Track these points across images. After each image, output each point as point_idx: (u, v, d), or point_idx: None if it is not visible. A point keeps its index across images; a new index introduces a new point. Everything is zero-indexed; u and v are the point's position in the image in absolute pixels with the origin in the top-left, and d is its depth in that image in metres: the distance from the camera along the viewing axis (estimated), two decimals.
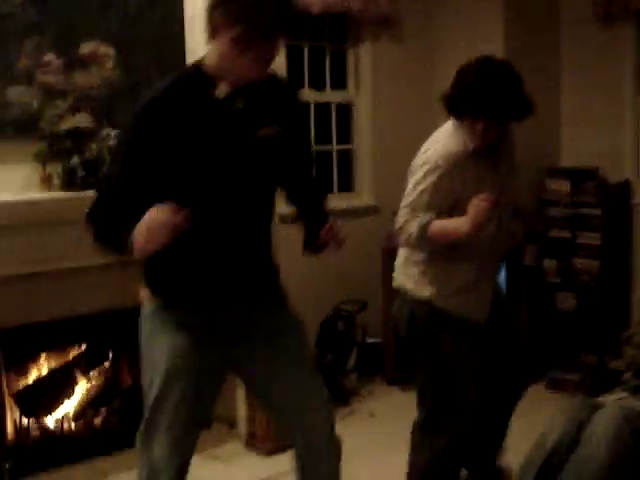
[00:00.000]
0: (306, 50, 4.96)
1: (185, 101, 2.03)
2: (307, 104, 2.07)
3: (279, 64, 4.56)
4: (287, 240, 4.54)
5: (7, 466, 3.30)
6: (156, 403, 2.23)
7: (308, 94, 4.96)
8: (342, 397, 4.43)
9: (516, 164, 2.93)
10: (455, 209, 2.65)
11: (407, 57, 5.20)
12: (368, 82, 5.11)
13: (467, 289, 2.73)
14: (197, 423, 2.35)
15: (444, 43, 5.25)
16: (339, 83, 5.12)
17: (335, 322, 4.69)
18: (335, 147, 5.15)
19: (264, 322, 2.30)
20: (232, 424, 3.88)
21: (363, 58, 5.12)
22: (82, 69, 3.30)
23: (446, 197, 2.66)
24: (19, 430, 3.56)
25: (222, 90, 2.04)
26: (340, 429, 3.74)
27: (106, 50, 3.35)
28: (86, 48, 3.31)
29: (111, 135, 3.29)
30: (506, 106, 2.55)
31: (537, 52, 5.04)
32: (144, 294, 2.28)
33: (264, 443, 3.75)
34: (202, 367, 2.24)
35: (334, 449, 2.40)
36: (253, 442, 3.81)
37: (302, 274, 4.71)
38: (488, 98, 2.53)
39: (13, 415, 3.54)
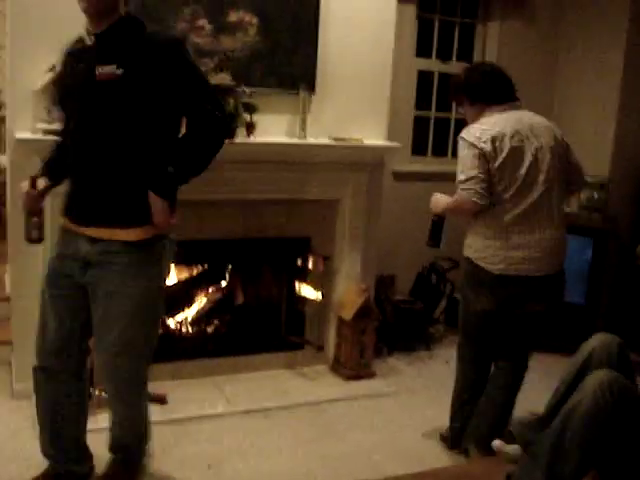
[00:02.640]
0: (437, 22, 5.35)
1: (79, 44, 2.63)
2: (187, 63, 2.32)
3: (409, 33, 5.04)
4: (398, 196, 5.07)
5: None
6: None
7: (434, 64, 5.38)
8: (425, 341, 4.95)
9: None
10: None
11: (533, 39, 5.46)
12: (493, 58, 5.40)
13: None
14: None
15: (571, 31, 5.47)
16: (465, 56, 5.48)
17: (429, 275, 5.17)
18: (454, 115, 5.54)
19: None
20: (321, 348, 4.43)
21: (490, 34, 5.43)
22: (228, 34, 3.84)
23: None
24: None
25: (89, 30, 2.56)
26: (417, 369, 4.35)
27: (250, 18, 3.88)
28: (234, 16, 3.84)
29: (246, 92, 3.86)
30: None
31: None
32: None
33: (346, 369, 4.31)
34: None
35: None
36: (337, 367, 4.38)
37: (407, 228, 5.22)
38: None
39: None
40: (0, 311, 4.10)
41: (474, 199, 3.08)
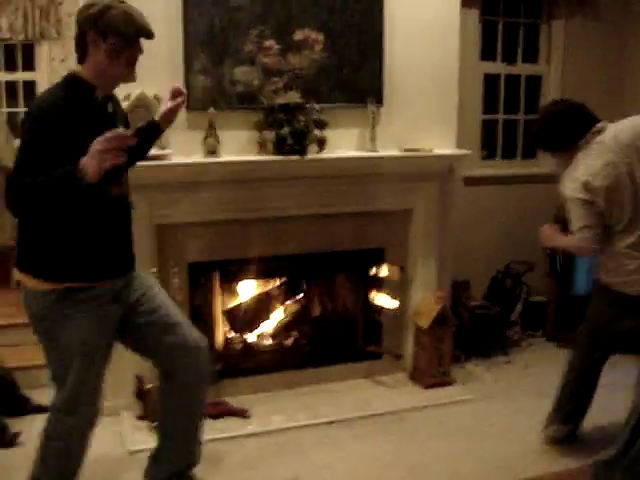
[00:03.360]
0: (500, 24, 5.32)
1: (75, 104, 2.47)
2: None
3: (473, 37, 5.03)
4: (470, 201, 5.07)
5: (217, 368, 4.04)
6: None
7: (500, 66, 5.36)
8: (502, 346, 4.93)
9: None
10: None
11: (599, 37, 5.39)
12: (559, 57, 5.38)
13: None
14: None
15: (637, 26, 5.38)
16: (530, 57, 5.44)
17: (504, 279, 5.14)
18: (522, 117, 5.51)
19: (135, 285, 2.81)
20: (399, 357, 4.46)
21: (556, 34, 5.39)
22: (295, 52, 3.90)
23: None
24: (227, 341, 4.36)
25: (99, 95, 2.56)
26: (495, 374, 4.33)
27: (316, 36, 3.94)
28: (300, 35, 3.90)
29: (316, 109, 3.92)
30: None
31: None
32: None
33: (425, 377, 4.33)
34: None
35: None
36: (415, 375, 4.40)
37: (480, 233, 5.22)
38: None
39: (223, 328, 4.32)
40: None
41: (595, 246, 3.18)
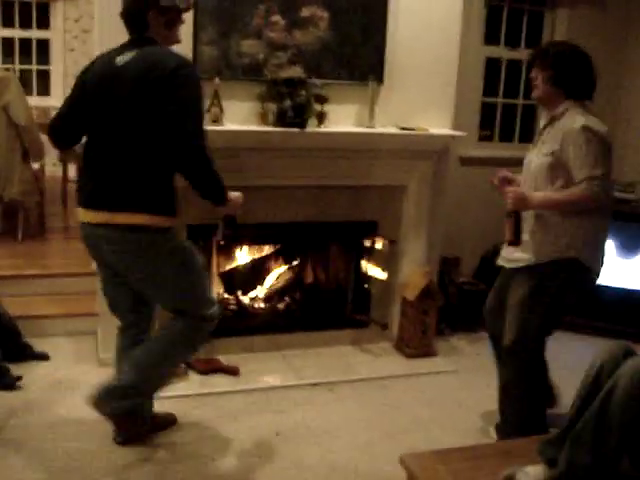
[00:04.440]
0: (505, 10, 5.44)
1: None
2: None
3: (478, 21, 5.15)
4: (464, 181, 5.22)
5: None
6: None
7: (502, 51, 5.49)
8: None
9: None
10: None
11: (602, 26, 5.47)
12: None
13: None
14: None
15: None
16: (533, 43, 5.54)
17: (492, 258, 5.28)
18: (521, 101, 5.64)
19: None
20: (385, 326, 4.65)
21: (559, 21, 5.48)
22: (301, 28, 4.04)
23: None
24: (221, 302, 4.44)
25: None
26: (478, 349, 4.48)
27: (322, 13, 4.08)
28: (306, 11, 4.04)
29: (317, 84, 4.06)
30: None
31: None
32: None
33: (408, 347, 4.52)
34: None
35: None
36: (400, 345, 4.58)
37: (475, 212, 5.38)
38: None
39: (218, 289, 4.49)
40: (86, 285, 4.43)
41: (603, 196, 3.03)
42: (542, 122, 3.38)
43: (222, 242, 3.59)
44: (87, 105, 3.02)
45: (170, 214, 3.00)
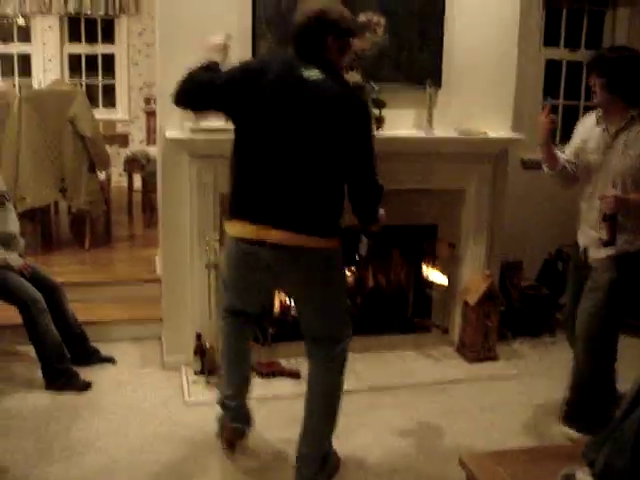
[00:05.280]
0: (564, 11, 5.38)
1: None
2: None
3: (537, 23, 5.11)
4: (526, 184, 5.18)
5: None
6: None
7: (562, 52, 5.43)
8: (550, 327, 5.03)
9: None
10: None
11: None
12: (623, 44, 5.38)
13: None
14: None
15: None
16: (593, 44, 5.49)
17: (556, 262, 5.24)
18: (583, 103, 5.57)
19: None
20: (446, 331, 4.65)
21: (620, 20, 5.42)
22: (358, 34, 4.05)
23: None
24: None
25: None
26: (540, 353, 4.41)
27: (379, 19, 4.11)
28: (363, 17, 4.08)
29: (375, 88, 4.09)
30: None
31: None
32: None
33: (470, 352, 4.49)
34: None
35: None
36: (461, 349, 4.57)
37: (537, 215, 5.33)
38: None
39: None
40: (152, 291, 4.53)
41: None
42: (611, 127, 3.37)
43: (364, 256, 3.84)
44: (245, 96, 2.89)
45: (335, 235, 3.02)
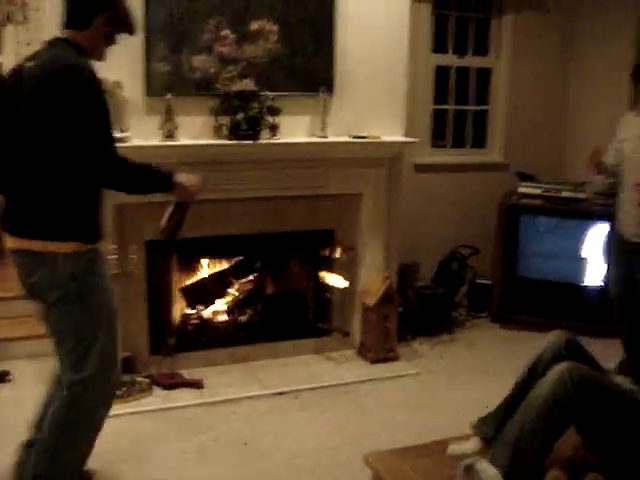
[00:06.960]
0: (452, 18, 5.55)
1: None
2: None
3: (426, 30, 5.24)
4: (420, 187, 5.30)
5: (171, 342, 4.28)
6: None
7: (451, 59, 5.59)
8: (448, 326, 5.17)
9: None
10: None
11: (547, 31, 5.63)
12: (508, 50, 5.60)
13: None
14: None
15: (585, 16, 5.58)
16: (480, 50, 5.67)
17: (450, 263, 5.39)
18: (472, 107, 5.75)
19: None
20: (347, 334, 4.70)
21: (505, 27, 5.60)
22: (251, 42, 4.08)
23: None
24: (183, 317, 4.54)
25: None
26: (439, 352, 4.51)
27: (271, 27, 4.13)
28: (255, 25, 4.08)
29: (269, 96, 4.11)
30: None
31: None
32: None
33: (371, 353, 4.56)
34: None
35: None
36: (362, 351, 4.63)
37: (431, 218, 5.47)
38: None
39: (180, 305, 4.51)
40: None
41: None
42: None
43: (161, 234, 2.93)
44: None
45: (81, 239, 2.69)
